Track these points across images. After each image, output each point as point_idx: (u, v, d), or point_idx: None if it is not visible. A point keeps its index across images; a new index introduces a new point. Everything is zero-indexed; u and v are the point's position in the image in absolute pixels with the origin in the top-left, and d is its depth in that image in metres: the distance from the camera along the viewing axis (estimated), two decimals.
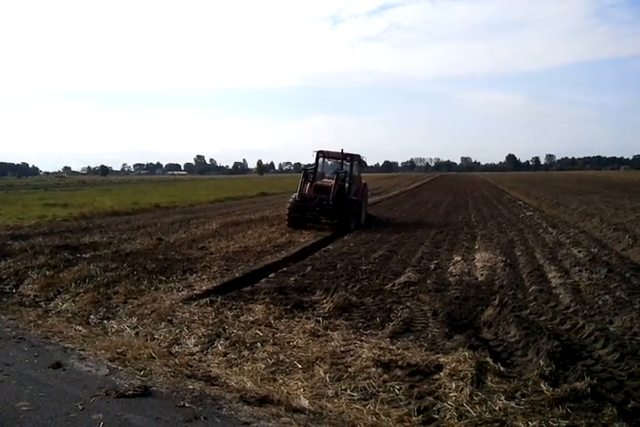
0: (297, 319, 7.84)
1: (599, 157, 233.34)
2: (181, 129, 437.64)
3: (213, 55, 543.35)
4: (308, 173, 20.89)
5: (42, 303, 9.15)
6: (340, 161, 21.36)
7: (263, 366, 6.23)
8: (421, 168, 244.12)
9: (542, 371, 5.84)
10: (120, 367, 6.14)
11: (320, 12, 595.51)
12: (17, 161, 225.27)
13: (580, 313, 8.48)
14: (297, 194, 19.76)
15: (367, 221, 22.38)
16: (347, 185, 20.62)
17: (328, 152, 21.49)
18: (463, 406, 5.05)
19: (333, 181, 19.62)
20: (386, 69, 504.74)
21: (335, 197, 19.27)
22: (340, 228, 19.34)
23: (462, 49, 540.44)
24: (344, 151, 20.87)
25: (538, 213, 25.96)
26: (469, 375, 5.61)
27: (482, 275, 11.64)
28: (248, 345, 6.86)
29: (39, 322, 7.91)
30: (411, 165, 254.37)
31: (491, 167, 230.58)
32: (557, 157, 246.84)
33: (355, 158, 21.68)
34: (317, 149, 21.14)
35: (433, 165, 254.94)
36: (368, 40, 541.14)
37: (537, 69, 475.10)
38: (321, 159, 21.64)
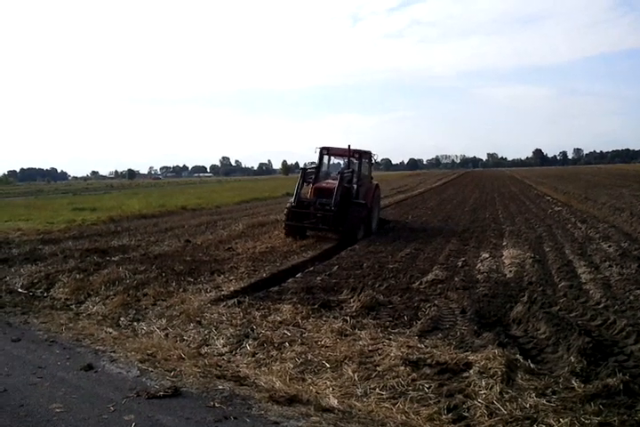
0: (324, 319, 7.85)
1: (628, 149, 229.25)
2: (206, 131, 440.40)
3: (237, 57, 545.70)
4: (307, 172, 17.73)
5: (73, 306, 9.27)
6: (346, 159, 18.76)
7: (292, 366, 6.25)
8: (447, 165, 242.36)
9: (573, 367, 5.78)
10: (150, 369, 6.22)
11: (340, 11, 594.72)
12: (46, 166, 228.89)
13: (611, 309, 8.36)
14: (293, 198, 16.81)
15: (380, 227, 19.60)
16: (354, 187, 17.72)
17: (333, 149, 18.74)
18: (493, 403, 5.02)
19: (337, 183, 16.55)
20: (409, 66, 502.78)
21: (339, 202, 16.27)
22: (344, 237, 16.50)
23: (485, 43, 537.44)
24: (351, 147, 18.15)
25: (566, 209, 25.67)
26: (499, 373, 5.57)
27: (510, 272, 11.54)
28: (276, 345, 6.88)
29: (70, 325, 8.04)
30: (436, 163, 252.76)
31: (518, 163, 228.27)
32: (585, 151, 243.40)
33: (364, 155, 18.83)
34: (321, 146, 18.45)
35: (459, 161, 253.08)
36: (390, 37, 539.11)
37: (561, 62, 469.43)
38: (326, 157, 19.18)
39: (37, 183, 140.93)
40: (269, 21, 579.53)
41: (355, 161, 18.58)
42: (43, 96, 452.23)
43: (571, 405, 4.96)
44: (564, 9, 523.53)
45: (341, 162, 19.95)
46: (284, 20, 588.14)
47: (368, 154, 19.21)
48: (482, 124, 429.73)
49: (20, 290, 10.16)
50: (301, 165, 18.95)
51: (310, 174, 17.85)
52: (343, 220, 16.38)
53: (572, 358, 6.00)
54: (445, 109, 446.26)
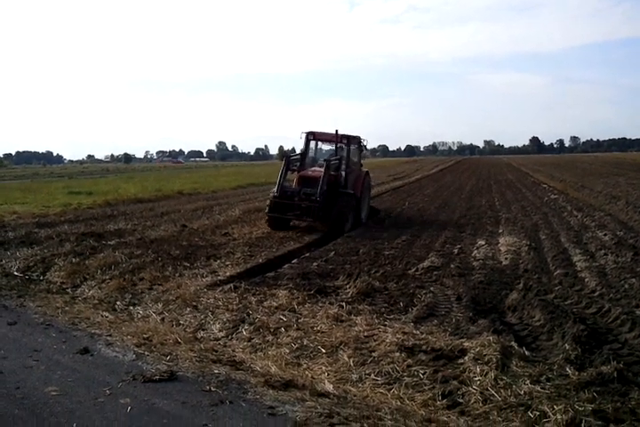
0: (320, 304, 7.86)
1: (624, 138, 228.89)
2: (202, 116, 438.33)
3: (233, 41, 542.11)
4: (291, 159, 16.63)
5: (69, 290, 9.26)
6: (334, 145, 17.58)
7: (287, 351, 6.27)
8: (444, 152, 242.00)
9: (568, 355, 5.80)
10: (146, 353, 6.23)
11: None
12: (42, 150, 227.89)
13: (606, 297, 8.41)
14: (276, 188, 15.70)
15: (370, 217, 18.67)
16: (343, 174, 16.57)
17: (319, 134, 17.55)
18: (488, 390, 5.05)
19: (322, 171, 15.39)
20: (405, 52, 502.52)
21: (325, 191, 15.29)
22: (331, 229, 15.40)
23: (480, 30, 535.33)
24: (339, 132, 16.85)
25: (562, 197, 25.72)
26: (494, 360, 5.59)
27: (506, 259, 11.58)
28: (272, 330, 6.89)
29: (66, 308, 8.03)
30: (433, 149, 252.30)
31: (514, 150, 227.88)
32: (582, 140, 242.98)
33: (352, 141, 17.50)
34: (307, 131, 17.29)
35: (455, 148, 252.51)
36: (386, 22, 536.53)
37: (556, 50, 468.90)
38: (313, 143, 18.04)
39: (33, 166, 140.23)
40: (266, 5, 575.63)
41: (343, 147, 17.37)
42: (39, 79, 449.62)
43: (565, 392, 4.98)
44: None
45: (325, 148, 19.21)
46: (280, 3, 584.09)
47: (357, 139, 17.91)
48: (478, 111, 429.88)
49: (15, 273, 10.14)
50: (298, 151, 17.98)
51: (295, 161, 16.81)
52: (330, 210, 15.31)
53: (567, 346, 6.03)
54: (442, 96, 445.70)
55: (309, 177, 15.78)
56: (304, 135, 17.26)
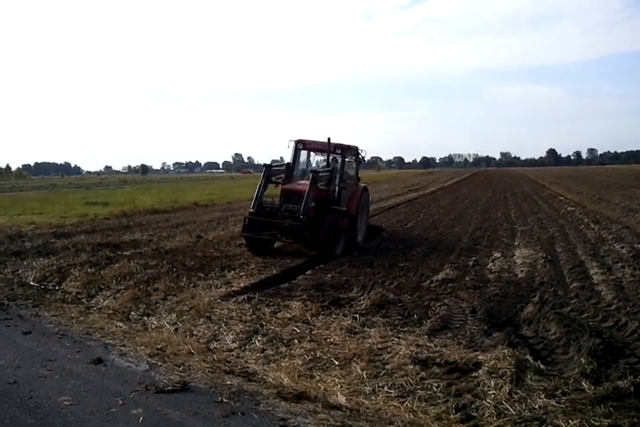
0: (334, 316, 7.85)
1: None
2: (219, 127, 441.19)
3: (250, 53, 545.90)
4: (272, 171, 14.15)
5: (84, 300, 9.31)
6: (329, 155, 15.11)
7: (300, 363, 6.24)
8: (460, 164, 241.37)
9: (584, 369, 5.73)
10: (159, 363, 6.23)
11: (352, 8, 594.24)
12: (60, 161, 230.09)
13: (623, 310, 8.31)
14: (252, 202, 13.63)
15: (371, 237, 16.67)
16: (335, 189, 14.35)
17: (310, 142, 15.32)
18: (502, 403, 5.00)
19: (308, 184, 13.26)
20: (420, 64, 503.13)
21: (313, 208, 13.30)
22: (320, 253, 13.23)
23: (496, 42, 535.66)
24: (333, 141, 14.59)
25: (579, 209, 25.50)
26: (509, 373, 5.54)
27: (522, 271, 11.50)
28: (285, 342, 6.88)
29: (81, 318, 8.07)
30: (449, 161, 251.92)
31: (531, 162, 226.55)
32: (599, 152, 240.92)
33: (347, 152, 15.35)
34: (296, 139, 15.16)
35: (471, 160, 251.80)
36: (401, 34, 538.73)
37: (571, 62, 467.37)
38: (304, 153, 15.81)
39: (51, 177, 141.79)
40: (282, 18, 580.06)
41: (337, 158, 15.25)
42: (58, 91, 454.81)
43: (580, 406, 4.92)
44: (575, 9, 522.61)
45: (318, 158, 16.45)
46: (296, 16, 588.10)
47: (353, 150, 15.74)
48: (494, 123, 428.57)
49: (32, 283, 10.21)
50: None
51: (279, 173, 14.48)
52: (318, 231, 13.15)
53: (583, 360, 5.96)
54: (458, 108, 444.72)
55: (293, 191, 13.49)
56: (292, 144, 15.17)
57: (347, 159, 15.51)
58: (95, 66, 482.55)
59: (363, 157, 16.42)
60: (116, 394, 5.34)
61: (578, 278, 10.61)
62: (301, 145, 15.22)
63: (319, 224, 13.19)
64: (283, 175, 14.42)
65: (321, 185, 13.85)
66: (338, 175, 14.61)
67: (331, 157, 15.14)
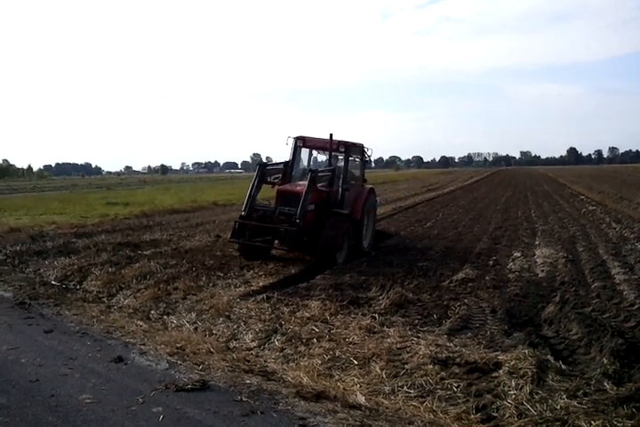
0: (353, 315, 7.83)
1: None
2: (238, 128, 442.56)
3: (267, 53, 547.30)
4: (268, 170, 13.06)
5: (104, 299, 9.38)
6: (334, 153, 13.69)
7: (319, 362, 6.24)
8: (479, 163, 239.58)
9: (606, 369, 5.68)
10: (179, 362, 6.27)
11: (368, 7, 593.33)
12: (81, 161, 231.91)
13: None
14: (244, 205, 12.31)
15: (379, 242, 15.24)
16: (338, 190, 13.06)
17: (312, 139, 13.91)
18: (523, 404, 4.96)
19: (306, 184, 11.90)
20: (438, 63, 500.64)
21: (310, 212, 12.00)
22: (319, 260, 12.07)
23: (514, 40, 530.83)
24: (341, 139, 13.44)
25: (601, 208, 25.23)
26: (529, 373, 5.50)
27: (542, 271, 11.40)
28: (304, 341, 6.88)
29: (102, 317, 8.13)
30: (468, 160, 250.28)
31: (551, 161, 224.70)
32: (621, 150, 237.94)
33: (353, 150, 13.84)
34: (296, 135, 13.78)
35: (491, 159, 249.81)
36: (418, 33, 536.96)
37: (593, 60, 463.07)
38: (306, 151, 14.44)
39: (72, 178, 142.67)
40: (299, 18, 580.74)
41: (339, 156, 13.88)
42: (79, 94, 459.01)
43: (602, 407, 4.86)
44: (594, 7, 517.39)
45: (321, 157, 15.23)
46: (313, 16, 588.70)
47: (359, 148, 14.20)
48: (514, 122, 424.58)
49: (53, 282, 10.32)
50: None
51: (276, 173, 13.37)
52: (316, 236, 11.89)
53: (605, 360, 5.90)
54: (476, 107, 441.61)
55: (290, 192, 12.19)
56: (292, 140, 13.77)
57: (351, 158, 13.96)
58: (115, 68, 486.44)
59: (369, 156, 14.72)
60: (137, 392, 5.38)
61: (599, 278, 10.50)
62: (301, 142, 13.85)
63: (319, 229, 11.96)
64: (280, 175, 13.38)
65: (321, 186, 12.63)
66: (341, 175, 13.20)
67: (332, 155, 13.73)
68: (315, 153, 14.75)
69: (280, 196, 12.30)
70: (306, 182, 11.88)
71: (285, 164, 13.65)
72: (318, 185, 12.36)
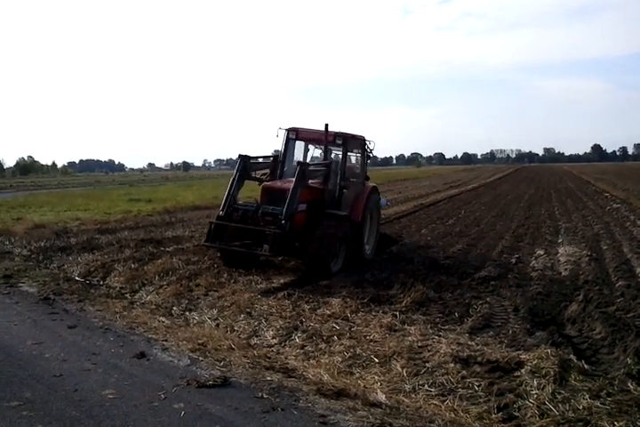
0: (374, 313, 7.82)
1: None
2: (259, 124, 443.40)
3: (289, 51, 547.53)
4: (252, 164, 11.63)
5: (127, 295, 9.45)
6: (330, 147, 12.06)
7: (340, 360, 6.24)
8: (502, 160, 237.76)
9: (630, 369, 5.63)
10: (201, 358, 6.31)
11: (390, 4, 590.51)
12: (104, 158, 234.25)
13: None
14: (222, 203, 10.87)
15: (384, 248, 13.41)
16: (335, 188, 11.56)
17: (305, 131, 12.13)
18: (545, 404, 4.93)
19: (293, 181, 10.38)
20: (460, 59, 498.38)
21: (301, 212, 10.65)
22: (309, 268, 10.50)
23: (538, 35, 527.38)
24: (336, 131, 11.75)
25: (625, 206, 24.91)
26: (552, 373, 5.46)
27: (565, 269, 11.30)
28: (325, 338, 6.89)
29: (124, 313, 8.20)
30: (491, 157, 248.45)
31: (575, 158, 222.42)
32: None
33: (352, 143, 12.17)
34: (288, 127, 12.09)
35: (514, 156, 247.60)
36: (440, 29, 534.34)
37: (618, 55, 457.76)
38: (300, 144, 12.57)
39: (96, 174, 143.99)
40: (322, 15, 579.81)
41: (337, 151, 12.29)
42: (104, 92, 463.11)
43: (626, 408, 4.82)
44: (619, 1, 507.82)
45: (317, 151, 12.83)
46: (335, 13, 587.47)
47: (359, 140, 12.49)
48: (537, 118, 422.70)
49: (77, 278, 10.41)
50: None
51: (262, 167, 12.26)
52: (304, 243, 10.50)
53: (629, 360, 5.85)
54: (499, 103, 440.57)
55: (276, 189, 10.77)
56: (283, 132, 12.12)
57: (350, 152, 12.41)
58: (140, 66, 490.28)
59: (371, 150, 12.80)
60: (159, 388, 5.43)
61: (624, 277, 10.37)
62: (294, 134, 12.11)
63: (312, 232, 10.46)
64: (269, 171, 12.17)
65: (315, 183, 11.13)
66: (338, 171, 11.62)
67: (327, 148, 12.05)
68: (311, 148, 12.81)
69: (265, 193, 10.81)
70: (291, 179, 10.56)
71: (275, 158, 12.29)
72: (312, 182, 10.96)
